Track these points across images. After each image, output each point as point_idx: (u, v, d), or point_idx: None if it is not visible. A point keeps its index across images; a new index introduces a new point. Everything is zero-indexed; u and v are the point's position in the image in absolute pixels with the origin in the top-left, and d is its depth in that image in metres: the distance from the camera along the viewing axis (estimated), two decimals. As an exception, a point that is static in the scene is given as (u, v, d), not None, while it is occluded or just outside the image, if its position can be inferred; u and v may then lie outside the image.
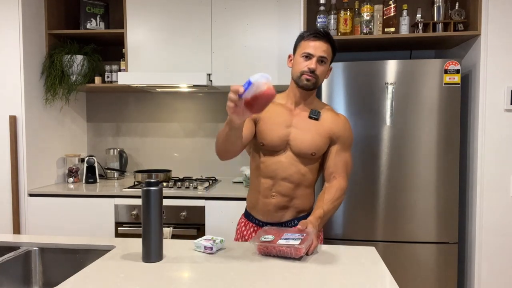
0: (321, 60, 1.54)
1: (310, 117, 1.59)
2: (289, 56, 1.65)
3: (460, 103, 2.27)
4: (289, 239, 1.31)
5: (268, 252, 1.33)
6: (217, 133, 3.03)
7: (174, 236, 2.36)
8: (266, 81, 1.15)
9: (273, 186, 1.61)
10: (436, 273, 2.30)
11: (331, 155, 1.59)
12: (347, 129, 1.61)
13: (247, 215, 1.72)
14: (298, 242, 1.28)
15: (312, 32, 1.55)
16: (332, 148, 1.59)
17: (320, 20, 2.48)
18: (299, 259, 1.29)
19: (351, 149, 1.65)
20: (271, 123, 1.59)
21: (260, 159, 1.63)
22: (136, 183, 2.68)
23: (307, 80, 1.54)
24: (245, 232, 1.69)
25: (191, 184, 2.57)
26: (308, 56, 1.54)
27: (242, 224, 1.72)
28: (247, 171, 2.62)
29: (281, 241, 1.31)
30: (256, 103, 1.18)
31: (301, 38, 1.60)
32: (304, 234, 1.34)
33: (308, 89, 1.57)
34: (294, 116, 1.61)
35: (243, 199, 2.36)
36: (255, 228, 1.67)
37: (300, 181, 1.60)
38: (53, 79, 2.64)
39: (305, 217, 1.62)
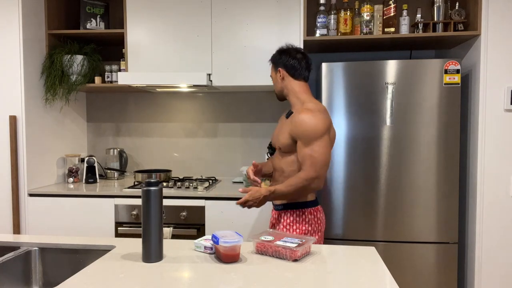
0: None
1: (286, 117, 1.85)
2: None
3: (460, 103, 2.27)
4: (287, 242, 1.33)
5: (265, 251, 1.34)
6: (217, 133, 3.04)
7: (174, 236, 2.36)
8: (225, 245, 1.26)
9: (274, 174, 1.93)
10: (436, 273, 2.30)
11: (297, 152, 1.74)
12: (301, 125, 1.70)
13: None
14: (295, 245, 1.29)
15: None
16: (297, 145, 1.74)
17: (320, 20, 2.48)
18: (298, 260, 1.29)
19: (318, 140, 1.67)
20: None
21: None
22: (136, 183, 2.68)
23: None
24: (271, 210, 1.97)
25: (191, 184, 2.57)
26: None
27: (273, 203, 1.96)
28: (247, 171, 2.63)
29: (279, 242, 1.32)
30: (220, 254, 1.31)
31: None
32: (303, 240, 1.35)
33: (279, 100, 1.94)
34: (281, 116, 1.93)
35: (243, 199, 2.37)
36: (272, 207, 1.94)
37: (282, 171, 1.84)
38: (53, 79, 2.64)
39: (290, 204, 1.81)
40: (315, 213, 1.81)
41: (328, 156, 1.72)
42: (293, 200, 1.80)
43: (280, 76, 1.84)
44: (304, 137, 1.70)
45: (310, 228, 1.79)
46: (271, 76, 1.93)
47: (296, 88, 1.82)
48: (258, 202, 1.74)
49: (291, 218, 1.80)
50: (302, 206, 1.80)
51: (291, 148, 1.77)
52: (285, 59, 1.84)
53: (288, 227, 1.79)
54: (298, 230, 1.78)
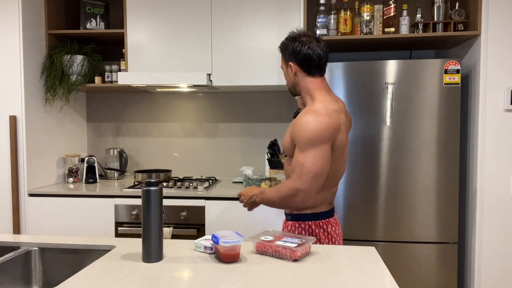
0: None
1: (293, 117, 1.65)
2: None
3: (460, 103, 2.27)
4: (287, 242, 1.33)
5: (265, 251, 1.34)
6: (217, 133, 3.04)
7: (174, 236, 2.36)
8: (225, 245, 1.25)
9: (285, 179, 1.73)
10: (436, 273, 2.30)
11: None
12: (299, 128, 1.49)
13: None
14: (295, 245, 1.29)
15: None
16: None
17: (320, 20, 2.48)
18: (298, 260, 1.29)
19: (314, 148, 1.45)
20: None
21: None
22: (136, 183, 2.68)
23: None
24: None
25: (191, 184, 2.57)
26: None
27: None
28: (247, 171, 2.62)
29: (278, 242, 1.32)
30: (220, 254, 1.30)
31: None
32: (303, 240, 1.35)
33: (292, 95, 1.72)
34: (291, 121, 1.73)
35: (243, 199, 2.37)
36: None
37: (288, 176, 1.65)
38: (53, 79, 2.64)
39: (298, 215, 1.61)
40: (324, 226, 1.60)
41: (322, 168, 1.47)
42: (302, 209, 1.60)
43: (292, 71, 1.59)
44: (299, 141, 1.48)
45: (318, 244, 1.58)
46: (281, 67, 1.67)
47: (310, 85, 1.57)
48: (248, 200, 1.69)
49: (296, 232, 1.61)
50: (308, 218, 1.60)
51: (291, 153, 1.58)
52: (297, 51, 1.55)
53: None
54: None
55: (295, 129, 1.51)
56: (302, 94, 1.61)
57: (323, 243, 1.60)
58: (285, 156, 1.94)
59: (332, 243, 1.61)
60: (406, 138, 2.29)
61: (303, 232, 1.60)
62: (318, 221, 1.60)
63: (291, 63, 1.58)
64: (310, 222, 1.60)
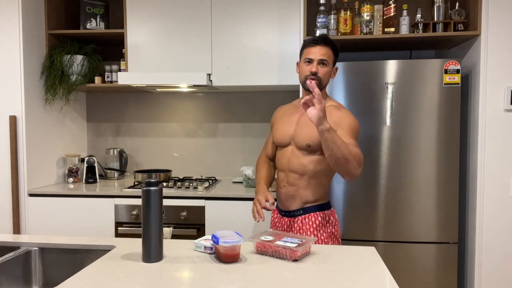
0: (321, 63, 1.72)
1: None
2: (297, 64, 1.84)
3: (460, 103, 2.27)
4: (287, 242, 1.33)
5: (265, 251, 1.34)
6: (217, 133, 3.04)
7: (174, 236, 2.36)
8: (225, 245, 1.26)
9: (284, 177, 1.80)
10: (436, 273, 2.30)
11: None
12: (345, 118, 1.69)
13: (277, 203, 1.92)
14: (295, 245, 1.29)
15: (311, 39, 1.76)
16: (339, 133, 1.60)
17: (320, 20, 2.48)
18: (298, 260, 1.29)
19: (357, 139, 1.68)
20: (279, 124, 1.89)
21: (277, 155, 1.89)
22: (136, 183, 2.68)
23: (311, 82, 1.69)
24: (274, 218, 1.90)
25: (191, 184, 2.57)
26: (309, 61, 1.72)
27: (274, 211, 1.93)
28: (247, 171, 2.62)
29: (278, 242, 1.32)
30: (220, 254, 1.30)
31: (303, 46, 1.79)
32: (303, 240, 1.35)
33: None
34: (301, 114, 1.80)
35: (243, 199, 2.37)
36: (277, 215, 1.87)
37: (303, 172, 1.73)
38: (53, 79, 2.64)
39: (311, 207, 1.75)
40: (333, 214, 1.81)
41: None
42: (316, 201, 1.74)
43: (334, 74, 1.81)
44: (349, 128, 1.65)
45: (334, 230, 1.76)
46: (326, 59, 1.71)
47: None
48: (322, 108, 1.43)
49: (317, 222, 1.73)
50: (326, 207, 1.77)
51: (318, 145, 1.67)
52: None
53: (315, 232, 1.72)
54: (325, 234, 1.72)
55: (339, 119, 1.67)
56: (322, 91, 1.76)
57: (336, 229, 1.78)
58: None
59: (339, 229, 1.82)
60: (406, 138, 2.29)
61: (323, 221, 1.74)
62: (330, 210, 1.79)
63: (337, 67, 1.81)
64: (326, 211, 1.77)
